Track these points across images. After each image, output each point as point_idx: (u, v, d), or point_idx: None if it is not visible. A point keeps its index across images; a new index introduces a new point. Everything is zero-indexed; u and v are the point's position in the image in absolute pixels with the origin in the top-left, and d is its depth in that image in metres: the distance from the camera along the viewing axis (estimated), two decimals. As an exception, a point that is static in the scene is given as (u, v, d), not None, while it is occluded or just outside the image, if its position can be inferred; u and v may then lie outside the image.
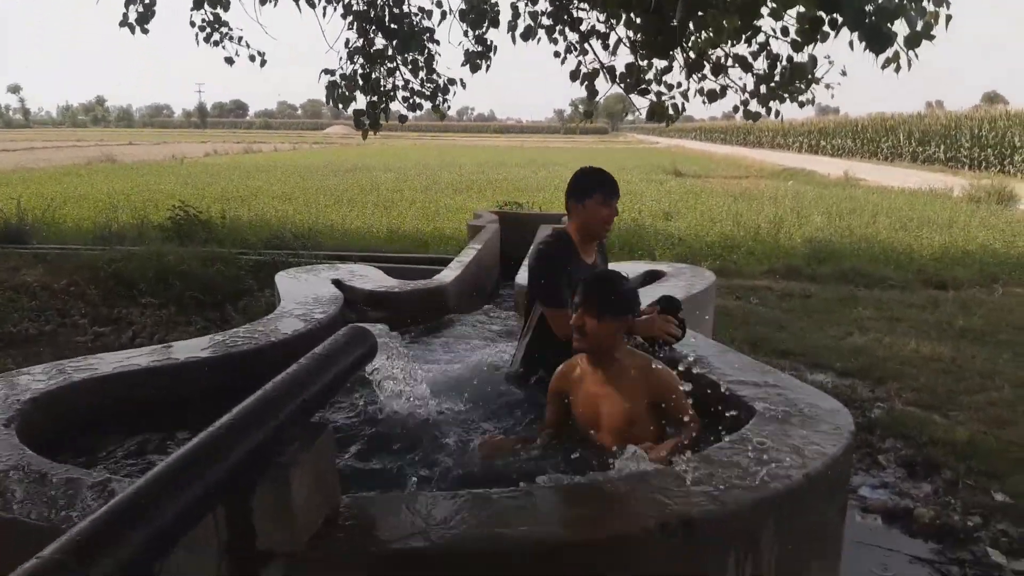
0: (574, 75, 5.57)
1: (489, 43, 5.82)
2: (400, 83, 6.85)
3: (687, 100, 5.22)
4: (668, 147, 58.86)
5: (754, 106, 4.88)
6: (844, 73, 4.81)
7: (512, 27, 6.04)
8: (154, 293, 6.36)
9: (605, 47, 4.95)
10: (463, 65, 6.50)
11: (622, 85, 5.30)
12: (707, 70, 4.18)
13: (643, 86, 5.25)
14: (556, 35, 5.53)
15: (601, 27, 4.90)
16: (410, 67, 6.74)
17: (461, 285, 4.74)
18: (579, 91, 5.41)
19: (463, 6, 6.29)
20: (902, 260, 8.91)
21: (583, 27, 4.95)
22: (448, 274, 4.77)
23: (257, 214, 12.48)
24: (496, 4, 6.29)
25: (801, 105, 4.84)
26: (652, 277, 4.80)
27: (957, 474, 3.58)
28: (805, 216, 12.24)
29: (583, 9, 5.06)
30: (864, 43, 2.64)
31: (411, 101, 6.89)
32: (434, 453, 2.75)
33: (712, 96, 4.33)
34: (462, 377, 3.23)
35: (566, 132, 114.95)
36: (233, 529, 1.65)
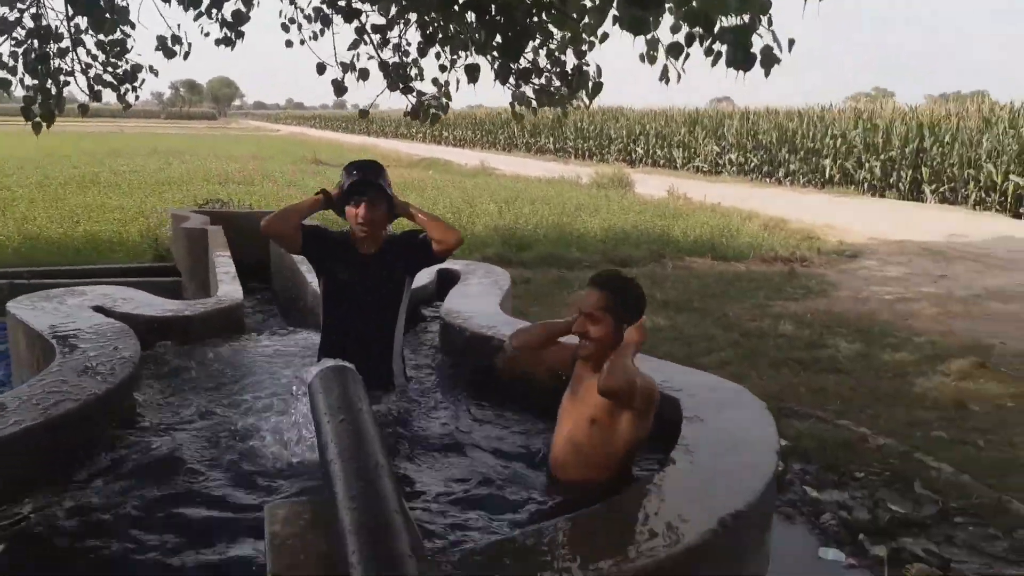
0: (321, 68, 5.24)
1: (240, 21, 5.15)
2: (79, 67, 5.79)
3: (450, 100, 5.28)
4: (291, 134, 57.51)
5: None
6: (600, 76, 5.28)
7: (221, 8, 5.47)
8: None
9: (385, 43, 4.72)
10: (157, 50, 5.74)
11: (387, 81, 5.14)
12: (515, 72, 4.27)
13: (408, 84, 5.16)
14: (311, 24, 5.14)
15: (381, 21, 4.67)
16: (98, 50, 5.73)
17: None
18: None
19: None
20: (581, 243, 10.01)
21: (363, 20, 4.66)
22: (233, 289, 4.19)
23: None
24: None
25: (574, 107, 5.11)
26: (449, 276, 4.76)
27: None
28: (479, 206, 13.01)
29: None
30: (733, 59, 2.96)
31: (94, 89, 5.89)
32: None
33: (541, 100, 4.42)
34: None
35: (168, 117, 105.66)
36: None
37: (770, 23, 2.99)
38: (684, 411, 2.65)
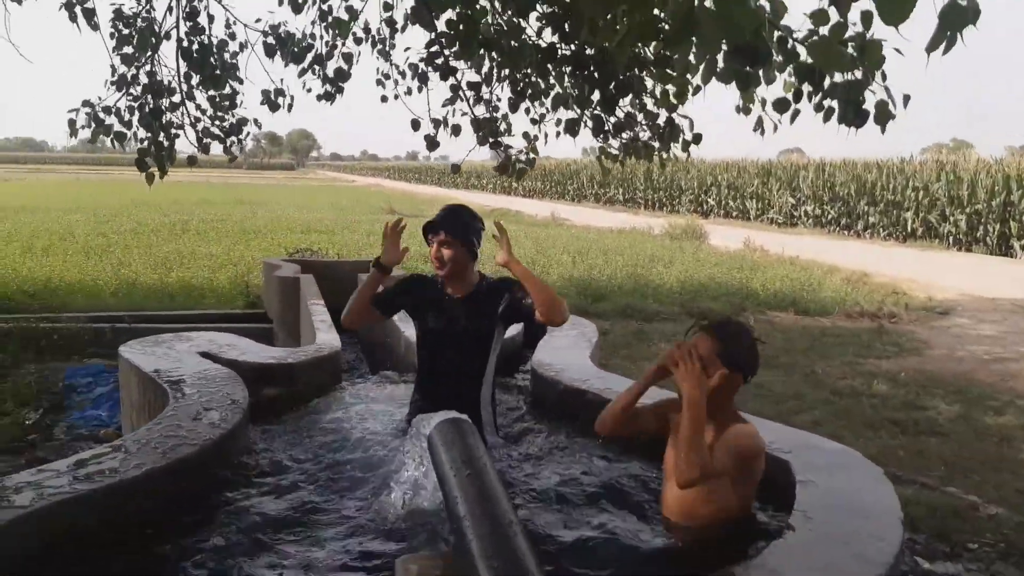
0: (416, 124, 5.40)
1: (341, 78, 5.39)
2: (189, 120, 6.11)
3: (537, 155, 5.37)
4: (366, 185, 59.22)
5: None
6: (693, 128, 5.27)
7: (324, 66, 5.74)
8: None
9: (479, 99, 4.85)
10: (262, 104, 6.02)
11: (479, 134, 5.26)
12: (609, 126, 4.32)
13: (497, 139, 5.27)
14: (405, 80, 5.34)
15: (476, 78, 4.80)
16: (209, 104, 6.05)
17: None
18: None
19: (265, 39, 5.80)
20: (657, 294, 9.92)
21: (459, 77, 4.80)
22: (332, 338, 4.29)
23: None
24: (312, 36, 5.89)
25: (668, 159, 5.08)
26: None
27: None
28: (552, 256, 13.07)
29: (445, 56, 4.91)
30: (844, 115, 2.93)
31: (202, 141, 6.19)
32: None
33: (636, 152, 4.47)
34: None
35: (250, 167, 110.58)
36: None
37: (884, 78, 2.94)
38: (795, 474, 2.58)
